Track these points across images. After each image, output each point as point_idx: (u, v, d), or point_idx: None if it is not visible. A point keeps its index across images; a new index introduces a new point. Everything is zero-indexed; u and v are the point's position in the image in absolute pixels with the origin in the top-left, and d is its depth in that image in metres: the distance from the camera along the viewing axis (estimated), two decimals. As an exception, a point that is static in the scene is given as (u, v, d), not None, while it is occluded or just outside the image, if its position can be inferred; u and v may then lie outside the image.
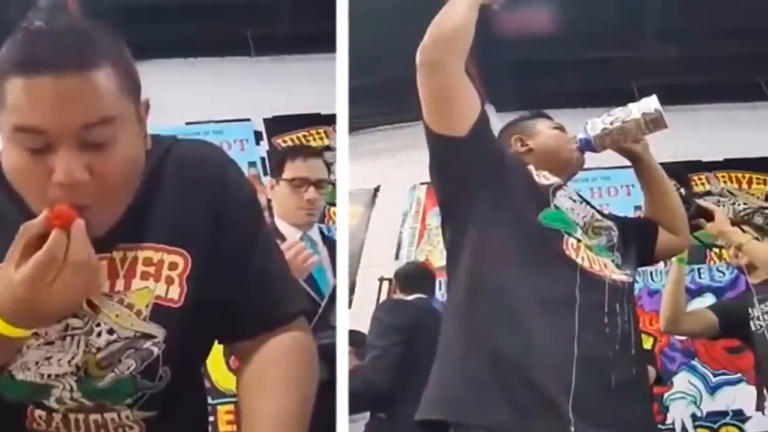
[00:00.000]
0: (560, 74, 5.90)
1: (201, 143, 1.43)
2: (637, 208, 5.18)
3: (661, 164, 2.21)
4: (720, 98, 6.11)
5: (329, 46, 5.02)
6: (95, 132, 1.06)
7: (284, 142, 5.46)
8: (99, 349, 1.21)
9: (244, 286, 1.29)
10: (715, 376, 4.71)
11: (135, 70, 1.18)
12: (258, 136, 5.49)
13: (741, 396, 4.72)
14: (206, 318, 1.27)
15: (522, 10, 4.97)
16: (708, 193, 5.59)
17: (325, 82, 5.59)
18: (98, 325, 1.21)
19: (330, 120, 5.42)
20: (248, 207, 1.37)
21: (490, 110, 4.95)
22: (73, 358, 1.20)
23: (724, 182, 5.72)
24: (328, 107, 5.47)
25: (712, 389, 4.72)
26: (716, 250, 4.83)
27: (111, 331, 1.21)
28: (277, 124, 5.54)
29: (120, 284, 1.21)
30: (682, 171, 3.85)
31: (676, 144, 5.56)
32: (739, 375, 4.75)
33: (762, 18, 5.25)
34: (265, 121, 5.55)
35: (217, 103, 5.55)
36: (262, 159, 5.38)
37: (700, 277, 5.17)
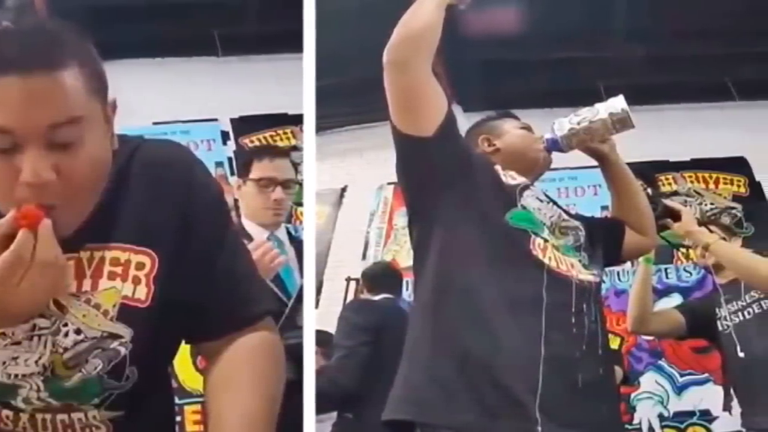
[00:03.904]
0: (527, 74, 5.97)
1: (168, 143, 1.43)
2: (604, 208, 5.25)
3: (628, 164, 2.22)
4: (687, 98, 6.20)
5: (296, 46, 5.02)
6: (62, 132, 1.06)
7: (251, 142, 5.49)
8: (66, 349, 1.20)
9: (211, 286, 1.30)
10: (682, 376, 4.75)
11: (102, 70, 1.18)
12: (225, 136, 5.52)
13: (708, 396, 4.75)
14: (173, 318, 1.27)
15: (489, 10, 5.00)
16: (675, 193, 5.67)
17: (292, 82, 5.62)
18: (65, 325, 1.21)
19: (297, 120, 5.42)
20: (215, 207, 1.38)
21: (458, 110, 4.99)
22: (40, 358, 1.20)
23: (691, 182, 5.81)
24: (296, 107, 5.51)
25: (679, 389, 4.77)
26: (683, 250, 4.90)
27: (78, 331, 1.21)
28: (244, 124, 5.58)
29: (87, 284, 1.21)
30: (648, 171, 3.87)
31: (643, 144, 5.72)
32: (706, 375, 4.79)
33: (728, 18, 5.36)
34: (232, 121, 5.58)
35: (184, 103, 5.58)
36: (229, 159, 5.40)
37: (667, 277, 5.23)
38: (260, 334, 1.34)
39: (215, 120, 5.55)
